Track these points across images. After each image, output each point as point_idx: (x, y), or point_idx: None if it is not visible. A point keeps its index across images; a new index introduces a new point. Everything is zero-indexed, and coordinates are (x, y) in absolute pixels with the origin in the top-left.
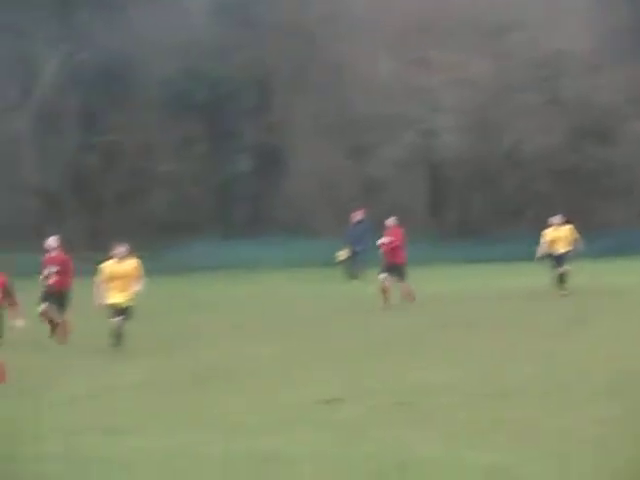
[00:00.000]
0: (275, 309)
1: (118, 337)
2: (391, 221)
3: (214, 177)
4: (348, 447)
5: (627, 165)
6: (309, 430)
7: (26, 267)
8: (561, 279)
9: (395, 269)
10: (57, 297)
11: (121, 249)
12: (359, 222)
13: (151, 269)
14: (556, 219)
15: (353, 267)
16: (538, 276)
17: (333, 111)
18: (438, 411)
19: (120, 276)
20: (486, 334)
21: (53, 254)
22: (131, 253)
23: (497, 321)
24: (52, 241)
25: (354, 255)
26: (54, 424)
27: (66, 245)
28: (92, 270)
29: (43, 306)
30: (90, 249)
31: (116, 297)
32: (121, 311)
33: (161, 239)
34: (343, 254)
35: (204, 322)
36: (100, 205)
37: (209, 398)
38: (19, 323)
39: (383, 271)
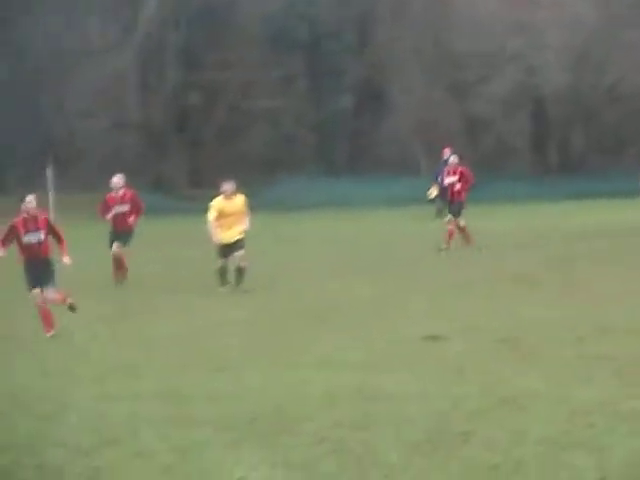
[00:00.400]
0: (374, 247)
1: (239, 273)
2: (454, 159)
3: (315, 114)
4: (452, 384)
5: None
6: (412, 368)
7: None
8: None
9: (455, 207)
10: (126, 235)
11: (229, 186)
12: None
13: (251, 206)
14: None
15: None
16: None
17: (434, 48)
18: (542, 347)
19: (229, 213)
20: (589, 270)
21: (120, 193)
22: (236, 190)
23: (599, 257)
24: (118, 179)
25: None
26: (158, 362)
27: (167, 182)
28: (192, 207)
29: (115, 247)
30: (190, 186)
31: (226, 235)
32: (233, 248)
33: (261, 176)
34: (433, 191)
35: (304, 259)
36: (201, 142)
37: (312, 336)
38: (66, 260)
39: (448, 212)
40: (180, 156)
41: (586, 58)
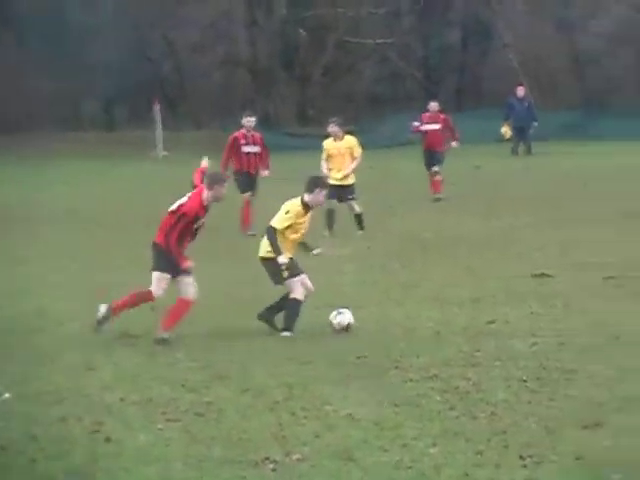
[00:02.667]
0: (485, 185)
1: (358, 220)
2: (434, 106)
3: (422, 50)
4: (559, 321)
5: None
6: (521, 304)
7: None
8: None
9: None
10: (254, 182)
11: (334, 128)
12: (522, 98)
13: (361, 143)
14: None
15: (521, 143)
16: None
17: None
18: None
19: (338, 154)
20: None
21: (251, 133)
22: (343, 128)
23: None
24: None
25: (520, 131)
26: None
27: (275, 119)
28: (301, 145)
29: (247, 195)
30: (298, 124)
31: (336, 176)
32: (345, 192)
33: (369, 113)
34: (507, 131)
35: (416, 196)
36: (308, 79)
37: (422, 272)
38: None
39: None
40: (288, 93)
41: None
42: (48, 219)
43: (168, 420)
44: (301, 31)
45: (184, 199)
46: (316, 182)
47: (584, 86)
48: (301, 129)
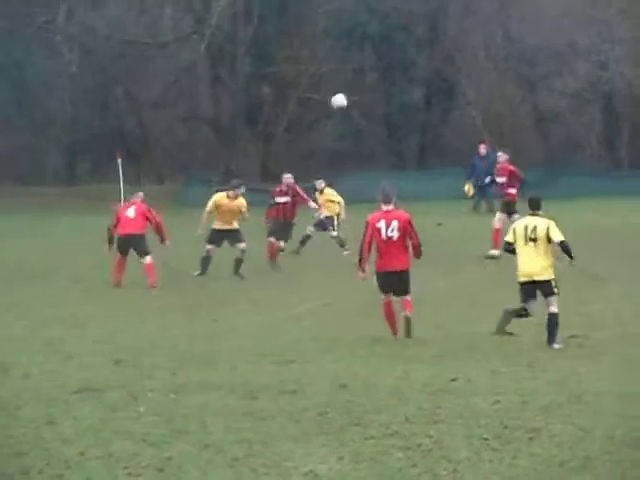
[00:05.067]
0: (444, 241)
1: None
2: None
3: (384, 108)
4: (521, 380)
5: None
6: (483, 362)
7: (195, 198)
8: None
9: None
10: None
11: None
12: (484, 156)
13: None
14: None
15: (483, 201)
16: None
17: (504, 42)
18: (611, 345)
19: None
20: None
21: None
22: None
23: None
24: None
25: (482, 189)
26: (229, 353)
27: (237, 176)
28: (263, 200)
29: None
30: (261, 179)
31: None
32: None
33: (331, 170)
34: (470, 189)
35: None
36: (271, 136)
37: (383, 328)
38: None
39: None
40: (250, 149)
41: None
42: None
43: (129, 475)
44: (265, 87)
45: None
46: None
47: (547, 144)
48: (262, 184)
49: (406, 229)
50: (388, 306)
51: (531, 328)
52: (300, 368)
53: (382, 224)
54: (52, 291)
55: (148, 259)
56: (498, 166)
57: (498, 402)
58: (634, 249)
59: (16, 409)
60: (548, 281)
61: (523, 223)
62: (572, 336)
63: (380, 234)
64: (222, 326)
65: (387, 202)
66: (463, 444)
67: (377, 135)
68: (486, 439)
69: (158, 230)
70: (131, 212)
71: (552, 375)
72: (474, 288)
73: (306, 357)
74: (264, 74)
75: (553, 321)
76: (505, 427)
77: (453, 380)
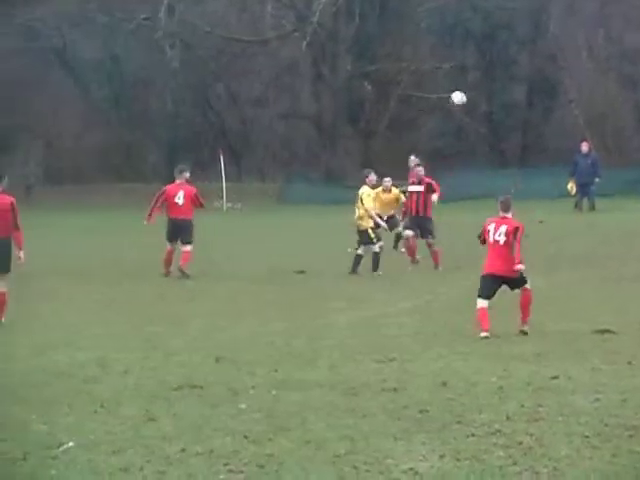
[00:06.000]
0: (546, 240)
1: (374, 263)
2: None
3: (486, 106)
4: (622, 377)
5: None
6: (583, 360)
7: (296, 196)
8: None
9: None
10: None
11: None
12: (586, 154)
13: None
14: None
15: (586, 199)
16: None
17: (605, 40)
18: None
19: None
20: None
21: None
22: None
23: None
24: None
25: (584, 187)
26: (330, 351)
27: (338, 174)
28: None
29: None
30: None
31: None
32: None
33: (432, 167)
34: (573, 187)
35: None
36: (372, 134)
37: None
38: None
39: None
40: (351, 147)
41: None
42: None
43: (230, 471)
44: (366, 85)
45: None
46: None
47: None
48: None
49: (511, 235)
50: (482, 311)
51: (631, 326)
52: (400, 366)
53: (492, 227)
54: (151, 288)
55: (189, 248)
56: None
57: (598, 400)
58: None
59: (116, 405)
60: None
61: None
62: None
63: (488, 236)
64: (321, 323)
65: (505, 210)
66: (563, 442)
67: (479, 133)
68: (586, 437)
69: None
70: (180, 198)
71: None
72: (571, 288)
73: (406, 355)
74: (365, 72)
75: None
76: (605, 425)
77: (554, 378)
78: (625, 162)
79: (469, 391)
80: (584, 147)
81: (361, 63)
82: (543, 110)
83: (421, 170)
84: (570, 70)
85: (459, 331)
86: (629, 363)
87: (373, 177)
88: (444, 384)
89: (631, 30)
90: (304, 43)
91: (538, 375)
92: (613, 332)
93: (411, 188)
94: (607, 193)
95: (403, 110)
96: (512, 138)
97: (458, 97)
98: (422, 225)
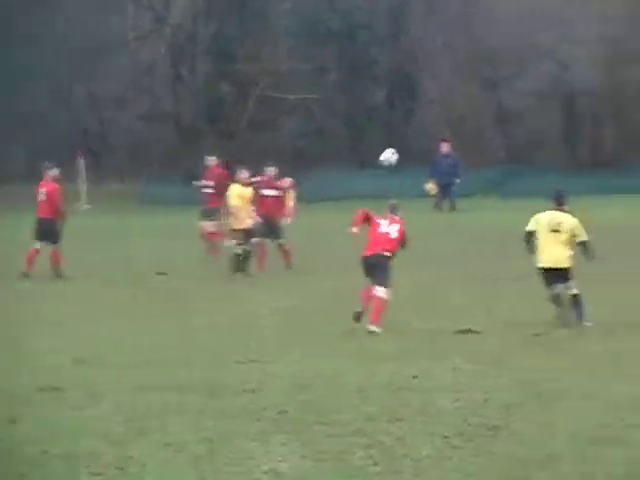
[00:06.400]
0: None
1: (244, 260)
2: (212, 160)
3: (347, 106)
4: (483, 378)
5: None
6: (445, 360)
7: (160, 197)
8: None
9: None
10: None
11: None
12: (446, 154)
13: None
14: None
15: (445, 199)
16: None
17: (466, 42)
18: (573, 342)
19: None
20: (620, 265)
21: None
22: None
23: (631, 252)
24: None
25: (444, 187)
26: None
27: (198, 174)
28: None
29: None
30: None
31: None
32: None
33: (293, 168)
34: (432, 187)
35: (343, 252)
36: (232, 134)
37: (347, 327)
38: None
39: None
40: (211, 148)
41: (617, 53)
42: None
43: (91, 474)
44: (225, 86)
45: None
46: None
47: (508, 143)
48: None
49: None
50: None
51: (493, 325)
52: (261, 367)
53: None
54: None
55: (54, 247)
56: None
57: (459, 400)
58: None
59: None
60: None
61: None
62: (536, 334)
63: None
64: (183, 324)
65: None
66: (424, 442)
67: (340, 134)
68: (447, 436)
69: None
70: (42, 195)
71: (514, 373)
72: (434, 288)
73: (267, 356)
74: (225, 72)
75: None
76: (467, 425)
77: (415, 377)
78: (485, 162)
79: (330, 392)
80: (444, 148)
81: (220, 64)
82: (404, 111)
83: (273, 172)
84: (431, 71)
85: (321, 332)
86: (491, 363)
87: (246, 174)
88: (304, 385)
89: (491, 31)
90: (163, 44)
91: (399, 375)
92: (477, 332)
93: (265, 192)
94: (468, 193)
95: (262, 110)
96: (374, 139)
97: (387, 155)
98: (273, 227)
